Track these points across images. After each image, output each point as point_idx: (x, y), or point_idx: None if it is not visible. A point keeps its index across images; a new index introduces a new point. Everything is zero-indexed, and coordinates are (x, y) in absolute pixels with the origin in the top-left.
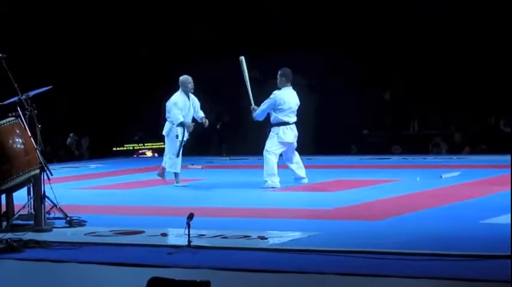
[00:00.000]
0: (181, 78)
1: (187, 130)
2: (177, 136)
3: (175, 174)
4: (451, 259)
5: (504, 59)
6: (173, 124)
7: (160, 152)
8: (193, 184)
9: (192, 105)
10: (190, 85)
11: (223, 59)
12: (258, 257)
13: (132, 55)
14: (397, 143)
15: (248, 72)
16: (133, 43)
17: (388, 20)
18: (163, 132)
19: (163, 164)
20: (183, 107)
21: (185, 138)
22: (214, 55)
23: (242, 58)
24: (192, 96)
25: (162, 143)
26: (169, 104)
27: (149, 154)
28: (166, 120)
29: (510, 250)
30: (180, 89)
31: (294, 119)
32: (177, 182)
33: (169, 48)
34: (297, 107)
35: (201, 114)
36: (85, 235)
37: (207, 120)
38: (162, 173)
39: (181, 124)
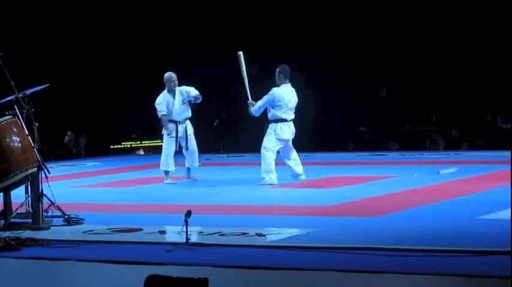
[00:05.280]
0: (165, 75)
1: (165, 128)
2: (168, 134)
3: (166, 172)
4: (449, 255)
5: (501, 54)
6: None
7: (154, 150)
8: (191, 181)
9: (181, 99)
10: (173, 83)
11: (221, 57)
12: (256, 254)
13: (130, 53)
14: (394, 139)
15: (246, 67)
16: (130, 41)
17: (385, 16)
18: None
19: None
20: (166, 105)
21: (180, 135)
22: (212, 53)
23: (240, 53)
24: (179, 89)
25: (160, 141)
26: None
27: (141, 152)
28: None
29: (510, 246)
30: (166, 87)
31: (292, 116)
32: (166, 179)
33: (167, 46)
34: (295, 104)
35: (193, 93)
36: (83, 233)
37: (197, 94)
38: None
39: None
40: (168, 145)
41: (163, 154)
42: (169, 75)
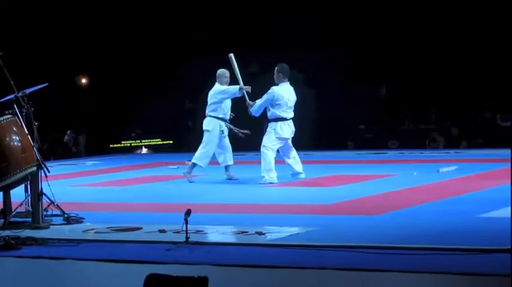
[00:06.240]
0: (218, 71)
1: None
2: (222, 131)
3: (194, 165)
4: (449, 253)
5: (501, 53)
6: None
7: (152, 148)
8: (191, 180)
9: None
10: (226, 80)
11: (221, 57)
12: (255, 252)
13: (129, 53)
14: (394, 137)
15: (240, 68)
16: (130, 40)
17: (385, 16)
18: (204, 127)
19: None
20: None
21: (218, 133)
22: (212, 53)
23: (231, 55)
24: None
25: (160, 140)
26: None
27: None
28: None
29: (510, 244)
30: (217, 82)
31: (291, 114)
32: (188, 173)
33: (168, 46)
34: (294, 103)
35: None
36: (83, 232)
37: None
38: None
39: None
40: (213, 142)
41: (204, 149)
42: (223, 71)
